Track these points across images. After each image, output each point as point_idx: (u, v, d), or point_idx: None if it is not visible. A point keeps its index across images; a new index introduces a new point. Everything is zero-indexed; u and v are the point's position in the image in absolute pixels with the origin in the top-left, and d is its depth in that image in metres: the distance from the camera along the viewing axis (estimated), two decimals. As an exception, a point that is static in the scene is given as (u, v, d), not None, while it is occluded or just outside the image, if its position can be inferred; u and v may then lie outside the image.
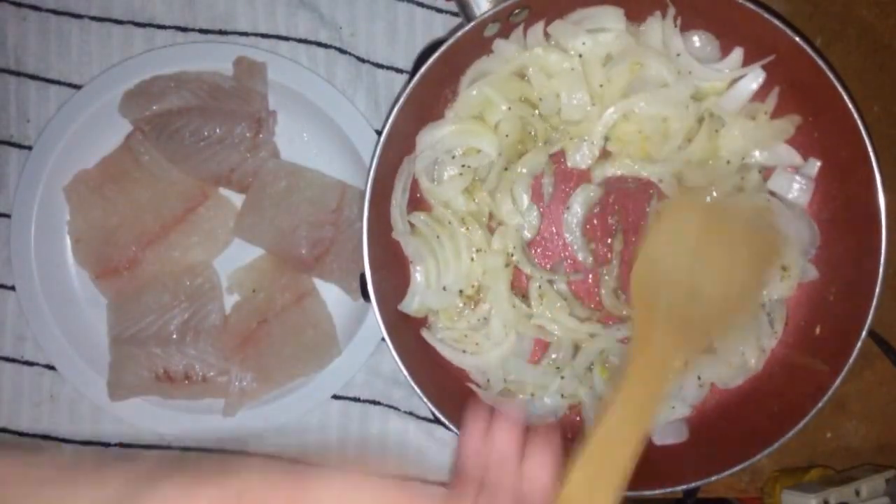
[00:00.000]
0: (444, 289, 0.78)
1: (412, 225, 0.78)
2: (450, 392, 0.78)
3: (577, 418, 0.81)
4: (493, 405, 0.55)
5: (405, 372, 0.72)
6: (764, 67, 0.78)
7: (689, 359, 0.63)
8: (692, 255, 0.63)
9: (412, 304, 0.78)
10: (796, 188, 0.79)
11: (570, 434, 0.81)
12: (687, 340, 0.60)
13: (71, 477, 0.47)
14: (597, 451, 0.51)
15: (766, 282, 0.75)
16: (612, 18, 0.77)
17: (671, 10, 0.77)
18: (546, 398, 0.79)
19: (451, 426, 0.73)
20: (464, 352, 0.79)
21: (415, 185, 0.79)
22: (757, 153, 0.79)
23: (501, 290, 0.78)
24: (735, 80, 0.79)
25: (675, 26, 0.77)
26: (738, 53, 0.78)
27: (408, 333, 0.78)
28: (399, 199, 0.77)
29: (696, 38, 0.80)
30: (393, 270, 0.78)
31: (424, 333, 0.78)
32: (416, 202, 0.80)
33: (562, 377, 0.79)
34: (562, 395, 0.79)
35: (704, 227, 0.65)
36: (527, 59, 0.77)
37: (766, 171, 0.81)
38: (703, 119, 0.78)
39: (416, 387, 0.72)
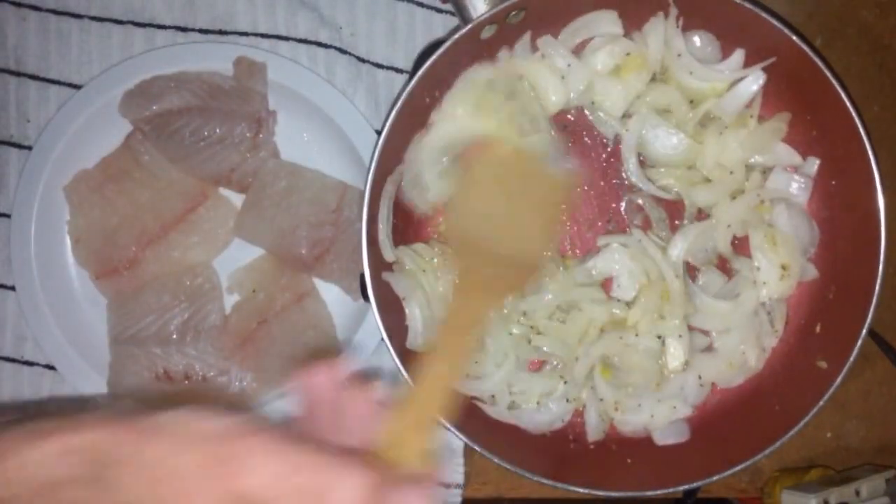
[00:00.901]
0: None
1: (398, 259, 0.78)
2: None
3: (579, 419, 0.81)
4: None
5: (404, 372, 0.72)
6: (764, 70, 0.78)
7: (499, 304, 0.69)
8: (491, 205, 0.68)
9: (417, 340, 0.77)
10: (795, 187, 0.80)
11: (571, 436, 0.81)
12: (495, 288, 0.64)
13: None
14: (413, 401, 0.53)
15: (556, 223, 0.77)
16: (608, 23, 0.78)
17: (673, 10, 0.77)
18: (551, 404, 0.79)
19: (450, 426, 0.73)
20: (466, 376, 0.78)
21: (399, 213, 0.78)
22: (756, 156, 0.79)
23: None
24: (735, 82, 0.78)
25: (677, 26, 0.77)
26: (738, 55, 0.78)
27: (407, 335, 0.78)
28: (385, 224, 0.76)
29: (696, 39, 0.80)
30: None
31: None
32: (402, 232, 0.80)
33: (565, 382, 0.79)
34: (567, 400, 0.79)
35: (497, 178, 0.70)
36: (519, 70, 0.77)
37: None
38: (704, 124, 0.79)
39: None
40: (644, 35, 0.78)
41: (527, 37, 0.77)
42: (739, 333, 0.79)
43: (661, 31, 0.77)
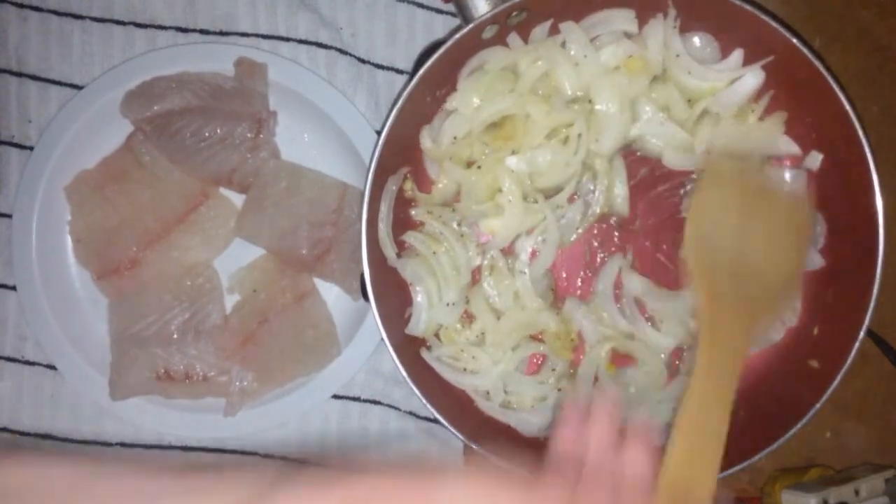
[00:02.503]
0: (449, 304, 0.78)
1: (405, 245, 0.78)
2: (449, 392, 0.78)
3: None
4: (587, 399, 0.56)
5: (404, 372, 0.72)
6: (762, 68, 0.78)
7: (756, 335, 0.63)
8: (738, 229, 0.64)
9: (419, 326, 0.78)
10: (789, 179, 0.80)
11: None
12: (751, 316, 0.60)
13: (191, 486, 0.47)
14: (690, 432, 0.51)
15: (807, 255, 0.74)
16: (624, 21, 0.77)
17: (672, 12, 0.77)
18: (546, 410, 0.79)
19: (450, 426, 0.73)
20: (464, 370, 0.78)
21: (400, 206, 0.79)
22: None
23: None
24: (734, 80, 0.78)
25: (675, 27, 0.77)
26: (737, 55, 0.78)
27: (408, 334, 0.79)
28: (385, 223, 0.76)
29: (696, 39, 0.80)
30: (392, 281, 0.78)
31: (423, 354, 0.78)
32: (404, 222, 0.80)
33: (559, 390, 0.79)
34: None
35: (742, 198, 0.66)
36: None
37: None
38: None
39: (414, 387, 0.72)
40: (644, 37, 0.78)
41: (547, 23, 0.77)
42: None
43: (660, 33, 0.77)
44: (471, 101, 0.77)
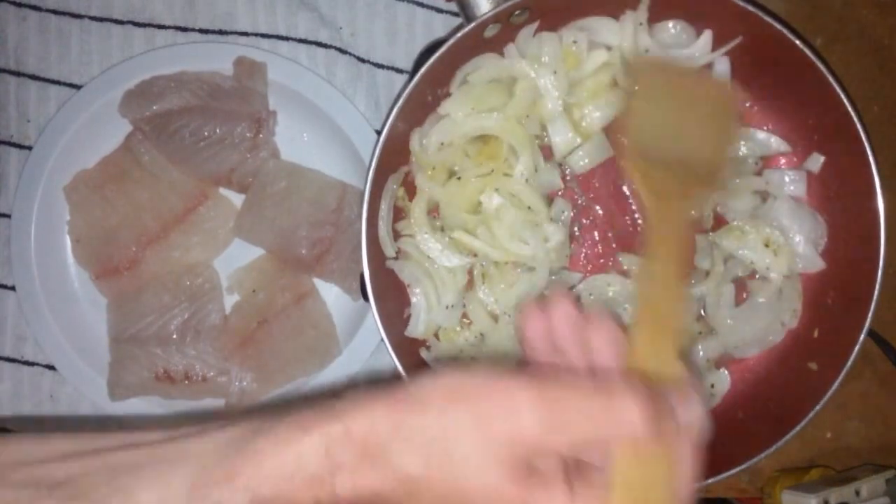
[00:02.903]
0: (447, 307, 0.78)
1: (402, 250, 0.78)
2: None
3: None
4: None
5: (403, 373, 0.72)
6: (762, 69, 0.78)
7: (690, 207, 0.64)
8: (670, 124, 0.66)
9: (418, 327, 0.78)
10: (788, 181, 0.80)
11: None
12: (688, 197, 0.63)
13: (176, 437, 0.47)
14: (649, 311, 0.52)
15: (735, 133, 0.77)
16: (607, 31, 0.78)
17: (643, 5, 0.77)
18: None
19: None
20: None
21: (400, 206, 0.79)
22: (742, 145, 0.79)
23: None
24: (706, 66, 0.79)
25: (642, 24, 0.77)
26: (706, 37, 0.78)
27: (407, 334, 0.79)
28: (385, 222, 0.76)
29: (670, 25, 0.79)
30: (392, 281, 0.78)
31: (423, 354, 0.78)
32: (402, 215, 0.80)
33: None
34: None
35: (670, 94, 0.68)
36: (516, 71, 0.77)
37: (764, 162, 0.81)
38: None
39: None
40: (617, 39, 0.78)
41: (531, 29, 0.77)
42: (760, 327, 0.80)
43: (629, 31, 0.77)
44: (464, 109, 0.76)
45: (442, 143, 0.77)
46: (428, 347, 0.79)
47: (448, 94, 0.77)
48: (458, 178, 0.77)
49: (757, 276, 0.80)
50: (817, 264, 0.79)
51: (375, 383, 0.72)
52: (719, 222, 0.81)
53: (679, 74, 0.74)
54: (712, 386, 0.80)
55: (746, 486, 0.88)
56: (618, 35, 0.78)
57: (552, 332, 0.51)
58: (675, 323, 0.52)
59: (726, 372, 0.81)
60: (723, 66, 0.79)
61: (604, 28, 0.78)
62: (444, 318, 0.78)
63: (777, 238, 0.78)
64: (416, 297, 0.78)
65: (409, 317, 0.78)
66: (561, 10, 0.77)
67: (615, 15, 0.78)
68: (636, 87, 0.71)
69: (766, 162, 0.81)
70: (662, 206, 0.60)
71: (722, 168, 0.71)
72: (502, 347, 0.78)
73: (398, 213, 0.79)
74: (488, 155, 0.78)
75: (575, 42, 0.78)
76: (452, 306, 0.78)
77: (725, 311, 0.79)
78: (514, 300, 0.78)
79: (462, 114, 0.76)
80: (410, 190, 0.79)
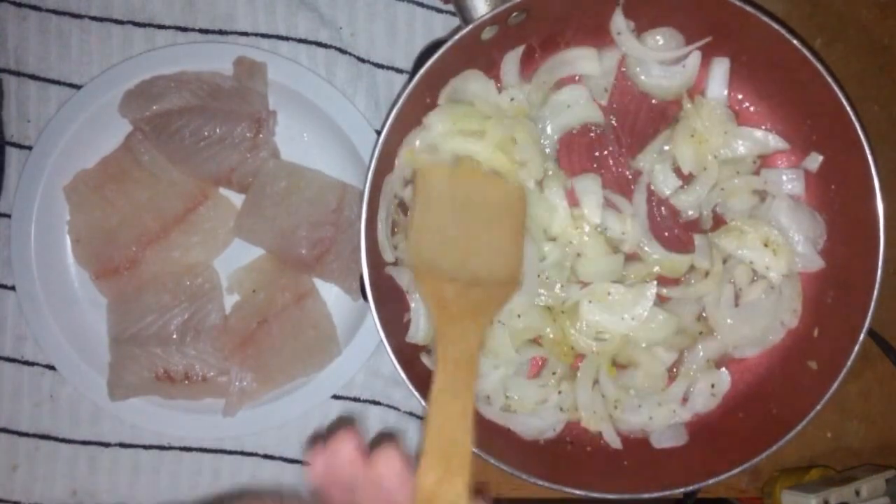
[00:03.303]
0: None
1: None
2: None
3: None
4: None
5: (403, 374, 0.72)
6: (761, 69, 0.78)
7: (485, 329, 0.65)
8: (457, 223, 0.66)
9: (418, 333, 0.78)
10: (786, 180, 0.80)
11: (568, 438, 0.81)
12: (477, 312, 0.62)
13: None
14: (435, 436, 0.52)
15: (524, 240, 0.75)
16: (587, 62, 0.79)
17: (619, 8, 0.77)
18: (546, 412, 0.79)
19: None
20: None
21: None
22: (740, 144, 0.79)
23: None
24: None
25: (634, 31, 0.78)
26: (695, 58, 0.79)
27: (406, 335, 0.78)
28: (384, 225, 0.76)
29: (658, 38, 0.80)
30: (392, 283, 0.78)
31: (423, 358, 0.78)
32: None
33: (559, 392, 0.78)
34: (560, 409, 0.79)
35: (457, 201, 0.68)
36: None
37: (763, 161, 0.81)
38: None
39: (414, 389, 0.72)
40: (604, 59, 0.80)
41: (516, 54, 0.78)
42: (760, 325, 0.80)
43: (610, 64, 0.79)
44: (445, 125, 0.76)
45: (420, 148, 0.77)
46: (428, 352, 0.79)
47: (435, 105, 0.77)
48: None
49: (756, 276, 0.80)
50: (817, 263, 0.79)
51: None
52: (718, 222, 0.81)
53: (465, 179, 0.72)
54: (713, 386, 0.80)
55: (746, 486, 0.88)
56: (597, 64, 0.79)
57: (337, 474, 0.50)
58: (464, 457, 0.51)
59: (726, 372, 0.81)
60: (722, 66, 0.79)
61: (582, 58, 0.79)
62: None
63: (776, 237, 0.78)
64: (416, 303, 0.78)
65: (409, 321, 0.78)
66: (559, 14, 0.77)
67: (606, 18, 0.78)
68: (419, 197, 0.69)
69: (764, 161, 0.81)
70: (454, 329, 0.60)
71: (517, 271, 0.70)
72: (500, 351, 0.78)
73: (393, 226, 0.79)
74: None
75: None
76: None
77: (725, 311, 0.79)
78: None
79: (442, 128, 0.76)
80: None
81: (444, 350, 0.59)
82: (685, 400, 0.80)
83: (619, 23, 0.78)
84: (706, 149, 0.79)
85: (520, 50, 0.78)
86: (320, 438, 0.55)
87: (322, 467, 0.51)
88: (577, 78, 0.80)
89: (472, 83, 0.77)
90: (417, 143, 0.76)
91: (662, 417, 0.79)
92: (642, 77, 0.80)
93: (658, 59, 0.79)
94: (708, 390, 0.80)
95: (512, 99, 0.78)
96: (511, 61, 0.79)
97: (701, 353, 0.80)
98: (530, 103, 0.78)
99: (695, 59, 0.79)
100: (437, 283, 0.63)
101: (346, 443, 0.50)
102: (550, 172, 0.78)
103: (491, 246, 0.66)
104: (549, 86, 0.80)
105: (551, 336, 0.79)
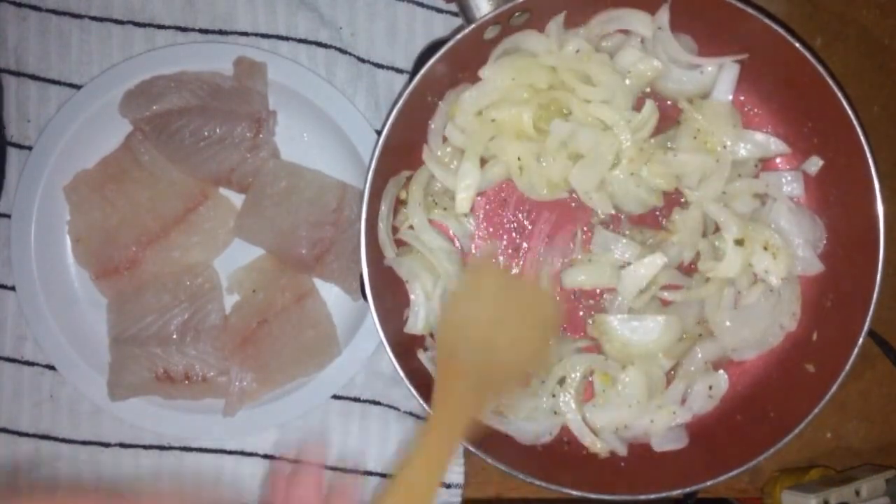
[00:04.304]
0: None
1: (404, 243, 0.78)
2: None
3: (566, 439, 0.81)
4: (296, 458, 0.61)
5: (402, 373, 0.72)
6: (762, 72, 0.78)
7: (481, 408, 0.69)
8: (487, 320, 0.69)
9: (417, 324, 0.78)
10: (785, 182, 0.80)
11: (566, 438, 0.81)
12: (481, 396, 0.65)
13: None
14: (398, 494, 0.55)
15: (547, 348, 0.78)
16: (642, 23, 0.78)
17: (665, 14, 0.77)
18: (540, 417, 0.79)
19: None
20: None
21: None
22: (741, 147, 0.79)
23: None
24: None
25: (661, 28, 0.78)
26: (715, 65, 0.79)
27: (406, 335, 0.78)
28: (385, 223, 0.76)
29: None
30: (391, 282, 0.78)
31: (420, 355, 0.78)
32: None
33: (553, 395, 0.79)
34: (555, 412, 0.79)
35: (496, 296, 0.71)
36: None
37: (763, 165, 0.81)
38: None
39: (412, 389, 0.72)
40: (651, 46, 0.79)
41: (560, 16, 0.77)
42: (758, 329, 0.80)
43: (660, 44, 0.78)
44: (504, 78, 0.76)
45: (480, 112, 0.77)
46: (425, 349, 0.79)
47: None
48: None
49: (756, 279, 0.79)
50: (816, 267, 0.79)
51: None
52: (717, 225, 0.81)
53: (510, 284, 0.75)
54: (710, 388, 0.80)
55: (746, 486, 0.88)
56: (648, 26, 0.78)
57: (292, 491, 0.53)
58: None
59: (724, 374, 0.81)
60: (731, 71, 0.79)
61: (633, 17, 0.78)
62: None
63: (776, 241, 0.77)
64: (416, 294, 0.78)
65: (408, 318, 0.78)
66: (561, 12, 0.77)
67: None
68: (464, 285, 0.74)
69: (764, 165, 0.81)
70: (451, 404, 0.62)
71: (525, 372, 0.74)
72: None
73: (397, 207, 0.79)
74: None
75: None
76: None
77: (725, 314, 0.79)
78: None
79: (501, 82, 0.76)
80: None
81: (437, 415, 0.62)
82: (684, 401, 0.80)
83: (664, 19, 0.77)
84: (713, 144, 0.79)
85: (562, 16, 0.77)
86: (284, 467, 0.59)
87: (279, 494, 0.53)
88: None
89: (531, 39, 0.77)
90: (468, 96, 0.77)
91: (663, 420, 0.79)
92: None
93: (687, 63, 0.79)
94: (706, 392, 0.80)
95: (577, 50, 0.77)
96: (556, 23, 0.77)
97: (699, 355, 0.80)
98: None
99: (714, 66, 0.79)
100: (454, 351, 0.66)
101: (308, 482, 0.54)
102: None
103: (514, 342, 0.69)
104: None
105: None
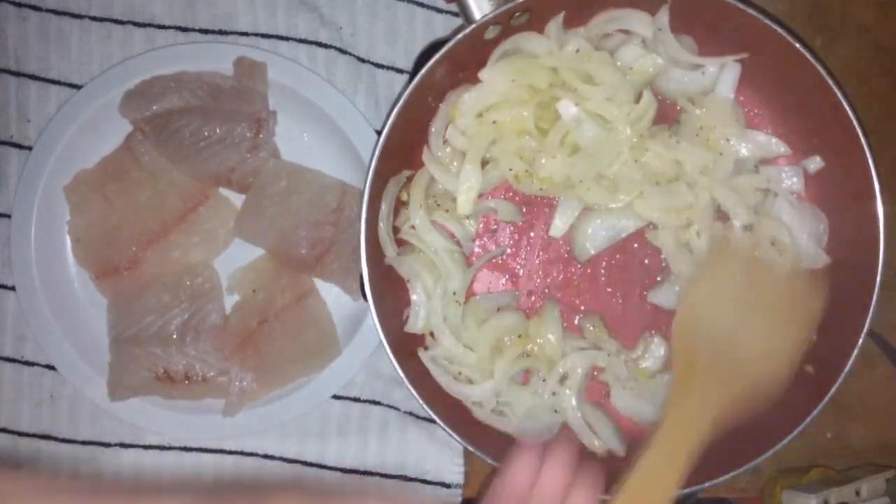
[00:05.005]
0: (455, 293, 0.78)
1: (404, 243, 0.78)
2: (448, 394, 0.78)
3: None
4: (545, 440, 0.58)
5: (402, 374, 0.72)
6: (762, 72, 0.78)
7: (726, 413, 0.62)
8: (734, 310, 0.63)
9: (417, 323, 0.78)
10: (785, 177, 0.80)
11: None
12: (724, 394, 0.60)
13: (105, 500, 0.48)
14: (634, 496, 0.52)
15: (804, 345, 0.73)
16: (642, 23, 0.77)
17: (665, 14, 0.77)
18: (539, 416, 0.79)
19: (448, 429, 0.73)
20: (458, 374, 0.78)
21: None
22: (743, 147, 0.79)
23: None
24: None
25: (661, 29, 0.77)
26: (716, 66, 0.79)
27: (406, 334, 0.78)
28: (386, 223, 0.76)
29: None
30: (391, 282, 0.78)
31: (421, 354, 0.78)
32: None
33: (554, 393, 0.78)
34: (556, 411, 0.79)
35: (747, 282, 0.65)
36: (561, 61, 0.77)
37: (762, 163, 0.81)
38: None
39: (412, 389, 0.72)
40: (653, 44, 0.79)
41: (560, 16, 0.77)
42: None
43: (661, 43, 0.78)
44: (504, 80, 0.76)
45: (480, 114, 0.77)
46: (426, 348, 0.79)
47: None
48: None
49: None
50: (822, 259, 0.79)
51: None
52: (723, 217, 0.80)
53: (761, 272, 0.69)
54: None
55: (746, 485, 0.88)
56: (649, 27, 0.77)
57: (535, 486, 0.50)
58: None
59: None
60: (733, 71, 0.79)
61: (635, 18, 0.78)
62: (443, 307, 0.77)
63: (784, 238, 0.77)
64: (417, 294, 0.78)
65: (408, 318, 0.78)
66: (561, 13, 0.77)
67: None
68: (712, 264, 0.68)
69: (763, 163, 0.81)
70: (692, 393, 0.58)
71: (780, 374, 0.66)
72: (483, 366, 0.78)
73: (398, 207, 0.79)
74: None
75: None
76: (455, 293, 0.77)
77: None
78: None
79: (501, 84, 0.76)
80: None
81: (674, 412, 0.57)
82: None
83: (664, 19, 0.77)
84: (715, 140, 0.78)
85: (561, 16, 0.77)
86: (538, 442, 0.56)
87: (522, 474, 0.51)
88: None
89: (531, 41, 0.77)
90: (468, 98, 0.77)
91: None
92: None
93: (688, 64, 0.79)
94: None
95: (577, 50, 0.77)
96: (555, 24, 0.77)
97: None
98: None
99: (716, 67, 0.79)
100: (694, 340, 0.61)
101: (558, 466, 0.51)
102: None
103: (764, 339, 0.64)
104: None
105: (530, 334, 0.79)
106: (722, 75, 0.79)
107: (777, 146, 0.80)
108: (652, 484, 0.53)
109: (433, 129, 0.79)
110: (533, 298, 0.82)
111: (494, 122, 0.77)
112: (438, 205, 0.79)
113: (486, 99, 0.77)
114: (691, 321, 0.63)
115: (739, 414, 0.66)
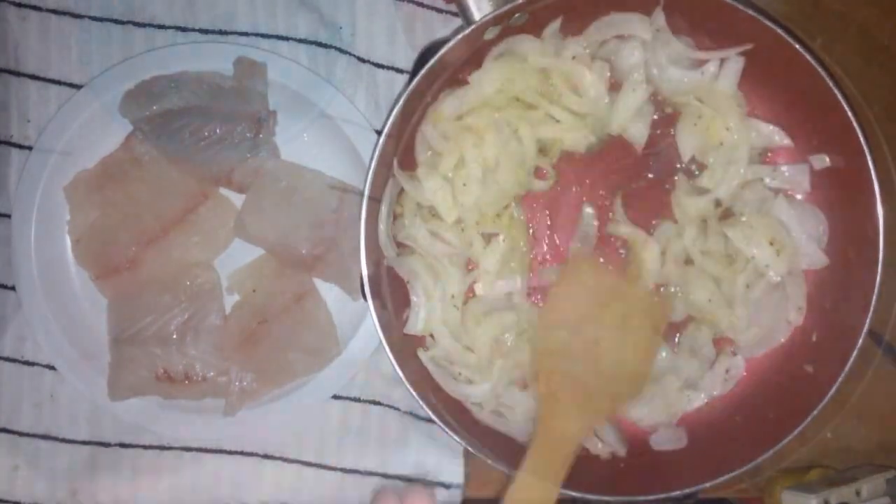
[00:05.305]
0: (454, 296, 0.78)
1: (404, 244, 0.78)
2: (448, 395, 0.78)
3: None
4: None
5: (401, 374, 0.72)
6: (762, 73, 0.78)
7: (590, 425, 0.66)
8: (589, 326, 0.66)
9: (417, 324, 0.78)
10: (789, 176, 0.79)
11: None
12: (588, 409, 0.63)
13: None
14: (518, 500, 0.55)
15: (657, 351, 0.76)
16: (641, 27, 0.77)
17: (660, 16, 0.77)
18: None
19: (447, 430, 0.73)
20: (458, 374, 0.78)
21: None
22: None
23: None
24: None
25: (659, 30, 0.77)
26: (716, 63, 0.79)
27: (406, 335, 0.78)
28: (385, 223, 0.76)
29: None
30: (391, 282, 0.78)
31: (420, 354, 0.78)
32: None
33: None
34: None
35: (598, 299, 0.67)
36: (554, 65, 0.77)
37: (765, 159, 0.81)
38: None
39: (412, 390, 0.72)
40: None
41: (557, 21, 0.77)
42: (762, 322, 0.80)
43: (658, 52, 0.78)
44: (493, 83, 0.76)
45: (459, 116, 0.76)
46: (426, 348, 0.78)
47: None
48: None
49: (759, 274, 0.79)
50: (821, 260, 0.79)
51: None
52: (726, 213, 0.80)
53: (614, 283, 0.72)
54: (727, 371, 0.80)
55: (746, 486, 0.87)
56: (648, 30, 0.77)
57: None
58: None
59: (741, 358, 0.81)
60: (735, 65, 0.78)
61: (635, 22, 0.78)
62: (443, 309, 0.77)
63: (783, 238, 0.77)
64: (416, 295, 0.78)
65: (408, 318, 0.78)
66: (561, 14, 0.77)
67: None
68: (563, 283, 0.70)
69: (766, 160, 0.81)
70: (557, 413, 0.60)
71: (641, 379, 0.69)
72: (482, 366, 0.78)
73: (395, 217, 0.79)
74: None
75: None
76: (454, 296, 0.77)
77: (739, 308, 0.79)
78: None
79: (491, 87, 0.76)
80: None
81: (542, 432, 0.59)
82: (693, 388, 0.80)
83: (660, 20, 0.77)
84: (716, 129, 0.78)
85: (558, 21, 0.77)
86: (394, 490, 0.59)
87: None
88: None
89: (526, 43, 0.77)
90: (457, 103, 0.76)
91: (679, 405, 0.79)
92: (654, 70, 0.79)
93: (689, 63, 0.79)
94: (723, 375, 0.80)
95: (574, 57, 0.77)
96: (552, 29, 0.77)
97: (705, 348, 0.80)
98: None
99: (715, 66, 0.78)
100: (555, 362, 0.63)
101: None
102: None
103: (621, 348, 0.66)
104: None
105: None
106: (724, 69, 0.79)
107: (780, 137, 0.79)
108: (531, 492, 0.55)
109: (419, 134, 0.78)
110: (533, 298, 0.82)
111: (470, 126, 0.77)
112: (433, 215, 0.79)
113: (468, 102, 0.76)
114: (549, 343, 0.65)
115: (608, 416, 0.71)
